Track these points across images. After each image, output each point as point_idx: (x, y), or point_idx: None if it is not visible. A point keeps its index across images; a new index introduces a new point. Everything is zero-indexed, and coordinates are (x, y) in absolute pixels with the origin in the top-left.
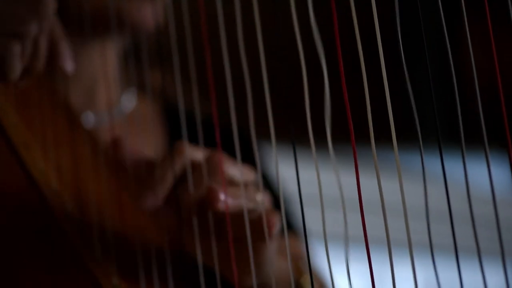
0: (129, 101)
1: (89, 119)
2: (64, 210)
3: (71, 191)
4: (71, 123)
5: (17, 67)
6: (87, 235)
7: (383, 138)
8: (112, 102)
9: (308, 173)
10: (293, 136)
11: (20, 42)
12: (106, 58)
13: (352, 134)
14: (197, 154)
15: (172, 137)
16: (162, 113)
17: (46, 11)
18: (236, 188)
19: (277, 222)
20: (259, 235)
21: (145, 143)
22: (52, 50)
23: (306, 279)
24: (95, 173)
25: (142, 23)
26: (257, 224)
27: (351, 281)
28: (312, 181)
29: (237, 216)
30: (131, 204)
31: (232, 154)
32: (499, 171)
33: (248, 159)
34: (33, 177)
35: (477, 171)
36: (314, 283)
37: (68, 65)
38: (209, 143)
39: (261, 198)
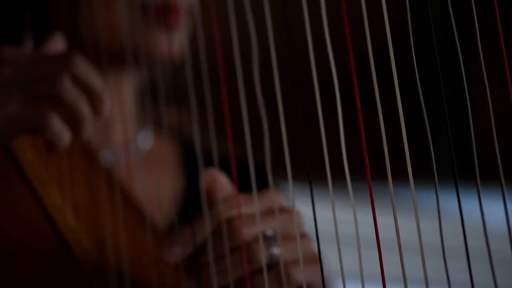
0: (146, 140)
1: (106, 156)
2: (80, 246)
3: (88, 227)
4: (88, 160)
5: (63, 133)
6: (103, 271)
7: (399, 176)
8: (129, 139)
9: (324, 211)
10: (310, 174)
11: (55, 105)
12: (122, 94)
13: (368, 172)
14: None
15: (189, 175)
16: (179, 151)
17: (76, 63)
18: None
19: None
20: None
21: (162, 183)
22: (89, 97)
23: None
24: (111, 210)
25: (158, 53)
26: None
27: None
28: (329, 218)
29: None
30: (147, 242)
31: (248, 191)
32: None
33: None
34: (49, 213)
35: (492, 207)
36: None
37: (108, 106)
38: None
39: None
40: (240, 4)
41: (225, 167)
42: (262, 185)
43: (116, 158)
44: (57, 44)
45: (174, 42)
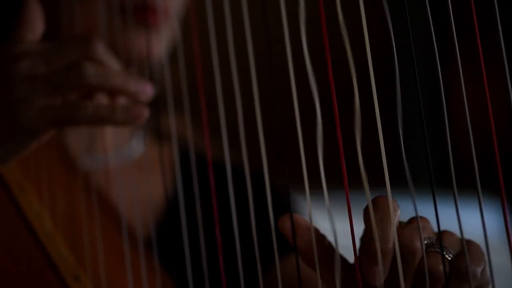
0: (137, 146)
1: (87, 162)
2: (58, 252)
3: (66, 233)
4: (67, 165)
5: (103, 112)
6: (80, 276)
7: (376, 184)
8: (118, 144)
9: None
10: (288, 181)
11: (83, 92)
12: None
13: (345, 180)
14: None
15: (184, 181)
16: (174, 157)
17: (94, 46)
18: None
19: None
20: None
21: (150, 188)
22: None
23: None
24: (89, 216)
25: (135, 53)
26: None
27: None
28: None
29: None
30: (124, 246)
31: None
32: (489, 216)
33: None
34: (28, 219)
35: (468, 216)
36: None
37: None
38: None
39: None
40: (219, 10)
41: (219, 173)
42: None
43: (100, 164)
44: (34, 8)
45: (152, 43)
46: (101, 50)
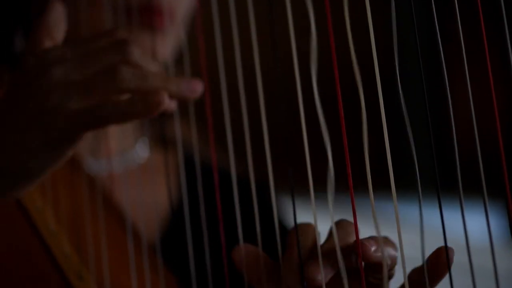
0: (142, 150)
1: (92, 165)
2: (61, 250)
3: (69, 231)
4: (71, 165)
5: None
6: (84, 275)
7: (381, 189)
8: (122, 149)
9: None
10: (293, 185)
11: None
12: None
13: (351, 184)
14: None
15: (188, 187)
16: (179, 163)
17: (130, 49)
18: None
19: None
20: None
21: (155, 194)
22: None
23: None
24: (93, 215)
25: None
26: None
27: None
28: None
29: None
30: (128, 247)
31: (249, 204)
32: (492, 220)
33: (265, 209)
34: (30, 216)
35: (472, 220)
36: None
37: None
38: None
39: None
40: (226, 14)
41: (224, 179)
42: (264, 199)
43: (104, 168)
44: (58, 11)
45: (157, 45)
46: (137, 53)
